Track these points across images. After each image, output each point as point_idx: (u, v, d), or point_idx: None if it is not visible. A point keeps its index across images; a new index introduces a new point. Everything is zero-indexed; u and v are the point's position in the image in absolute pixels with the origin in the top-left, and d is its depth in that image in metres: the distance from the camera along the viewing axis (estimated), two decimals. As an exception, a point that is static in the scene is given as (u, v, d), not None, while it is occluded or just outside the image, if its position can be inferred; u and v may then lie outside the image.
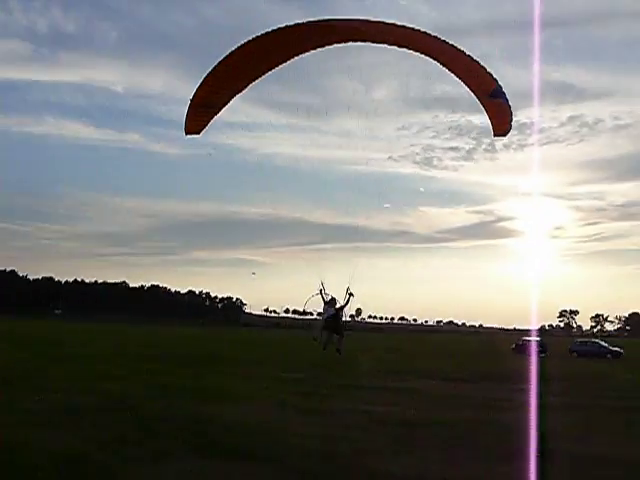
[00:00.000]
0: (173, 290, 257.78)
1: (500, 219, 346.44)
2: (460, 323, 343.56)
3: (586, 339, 78.75)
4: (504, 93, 10.56)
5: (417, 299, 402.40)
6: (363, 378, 30.55)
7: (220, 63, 10.31)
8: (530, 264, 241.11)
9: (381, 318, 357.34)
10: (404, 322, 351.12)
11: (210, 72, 10.46)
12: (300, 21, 10.31)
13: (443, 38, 10.27)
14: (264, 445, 13.45)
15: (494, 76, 10.47)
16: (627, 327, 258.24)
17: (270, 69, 10.78)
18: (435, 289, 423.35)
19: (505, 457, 12.96)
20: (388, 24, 10.33)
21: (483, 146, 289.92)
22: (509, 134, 11.66)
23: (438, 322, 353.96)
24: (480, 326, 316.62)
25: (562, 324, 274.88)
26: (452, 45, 10.18)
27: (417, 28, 10.20)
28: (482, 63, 10.36)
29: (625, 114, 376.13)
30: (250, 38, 10.21)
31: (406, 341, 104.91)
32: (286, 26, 9.89)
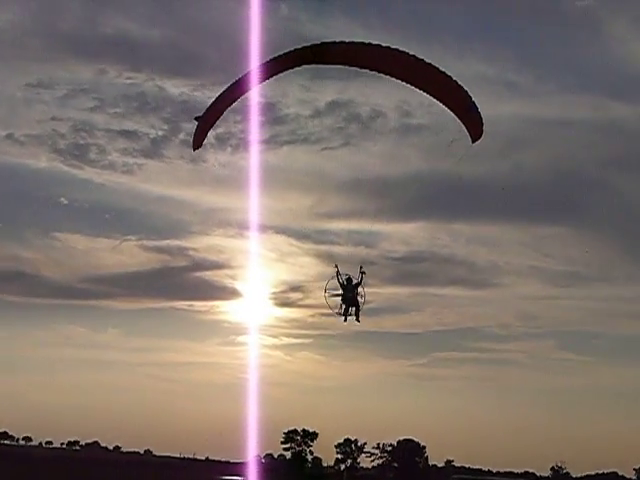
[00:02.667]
0: None
1: (197, 266, 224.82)
2: (112, 447, 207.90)
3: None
4: (475, 103, 12.66)
5: (40, 405, 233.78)
6: None
7: (221, 94, 13.60)
8: (239, 350, 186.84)
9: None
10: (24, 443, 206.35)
11: (214, 101, 13.56)
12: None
13: (418, 56, 11.65)
14: None
15: (466, 89, 12.29)
16: (394, 463, 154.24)
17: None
18: (70, 386, 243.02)
19: None
20: (365, 45, 12.43)
21: (181, 135, 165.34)
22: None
23: (73, 443, 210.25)
24: (148, 452, 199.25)
25: (289, 454, 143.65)
26: (428, 64, 11.70)
27: (393, 47, 11.42)
28: (454, 78, 11.99)
29: (417, 108, 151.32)
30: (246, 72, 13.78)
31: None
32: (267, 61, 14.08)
